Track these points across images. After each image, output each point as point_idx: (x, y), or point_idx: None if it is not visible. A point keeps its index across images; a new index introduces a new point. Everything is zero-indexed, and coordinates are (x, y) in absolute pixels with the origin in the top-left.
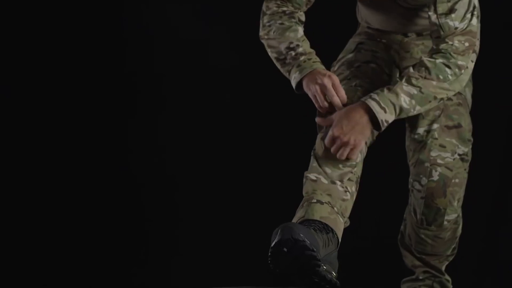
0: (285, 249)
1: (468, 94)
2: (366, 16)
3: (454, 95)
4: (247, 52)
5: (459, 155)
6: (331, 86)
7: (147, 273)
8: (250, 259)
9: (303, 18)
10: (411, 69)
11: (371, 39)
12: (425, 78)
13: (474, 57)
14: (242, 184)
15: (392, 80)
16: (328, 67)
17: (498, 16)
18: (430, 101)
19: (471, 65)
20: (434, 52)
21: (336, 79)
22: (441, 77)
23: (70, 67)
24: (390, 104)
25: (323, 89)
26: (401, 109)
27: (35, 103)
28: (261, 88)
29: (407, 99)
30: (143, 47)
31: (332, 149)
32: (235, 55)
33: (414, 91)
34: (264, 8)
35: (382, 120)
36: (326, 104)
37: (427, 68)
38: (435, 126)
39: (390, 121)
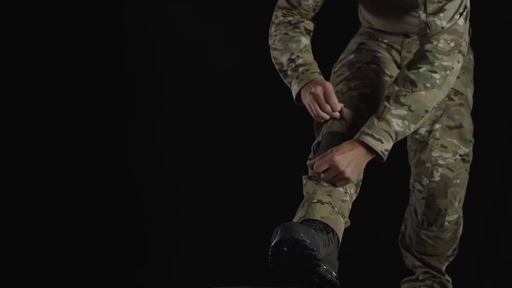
0: (285, 249)
1: (470, 94)
2: (367, 17)
3: (456, 95)
4: (247, 52)
5: (460, 155)
6: (323, 94)
7: (147, 273)
8: (250, 259)
9: (310, 27)
10: (395, 87)
11: (373, 39)
12: (412, 92)
13: (460, 57)
14: (242, 184)
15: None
16: (330, 67)
17: (498, 16)
18: (422, 116)
19: (457, 66)
20: (418, 56)
21: (329, 87)
22: (428, 85)
23: (70, 67)
24: (384, 133)
25: (316, 98)
26: (396, 133)
27: (35, 103)
28: (261, 88)
29: (399, 122)
30: (143, 47)
31: (324, 175)
32: (235, 55)
33: (404, 111)
34: (273, 17)
35: (382, 151)
36: (320, 112)
37: (411, 81)
38: (437, 126)
39: (390, 148)
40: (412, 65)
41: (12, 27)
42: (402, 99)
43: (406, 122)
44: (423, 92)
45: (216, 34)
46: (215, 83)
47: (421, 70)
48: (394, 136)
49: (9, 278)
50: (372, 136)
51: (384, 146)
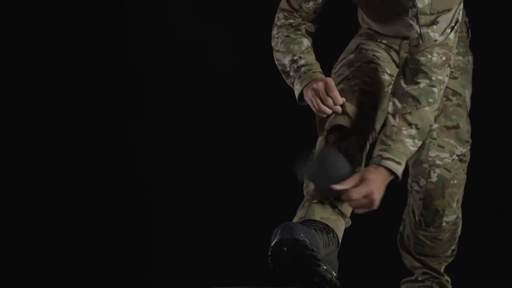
0: (285, 249)
1: (467, 96)
2: (366, 19)
3: (454, 95)
4: (247, 52)
5: (457, 155)
6: (324, 89)
7: (147, 273)
8: (250, 259)
9: (311, 29)
10: (398, 104)
11: (372, 40)
12: (417, 109)
13: (448, 71)
14: (242, 184)
15: (393, 80)
16: (331, 68)
17: (498, 17)
18: (427, 132)
19: (446, 80)
20: (412, 69)
21: (330, 81)
22: (430, 100)
23: (70, 67)
24: (402, 155)
25: (317, 93)
26: (410, 153)
27: (35, 103)
28: (261, 88)
29: (411, 141)
30: (143, 47)
31: (354, 204)
32: (235, 55)
33: (413, 131)
34: (275, 19)
35: (400, 174)
36: (321, 106)
37: (413, 97)
38: (435, 126)
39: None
40: (409, 79)
41: (12, 27)
42: (409, 118)
43: (416, 141)
44: (427, 108)
45: (216, 34)
46: (215, 83)
47: (421, 85)
48: (409, 156)
49: (9, 278)
50: (393, 160)
51: (402, 167)
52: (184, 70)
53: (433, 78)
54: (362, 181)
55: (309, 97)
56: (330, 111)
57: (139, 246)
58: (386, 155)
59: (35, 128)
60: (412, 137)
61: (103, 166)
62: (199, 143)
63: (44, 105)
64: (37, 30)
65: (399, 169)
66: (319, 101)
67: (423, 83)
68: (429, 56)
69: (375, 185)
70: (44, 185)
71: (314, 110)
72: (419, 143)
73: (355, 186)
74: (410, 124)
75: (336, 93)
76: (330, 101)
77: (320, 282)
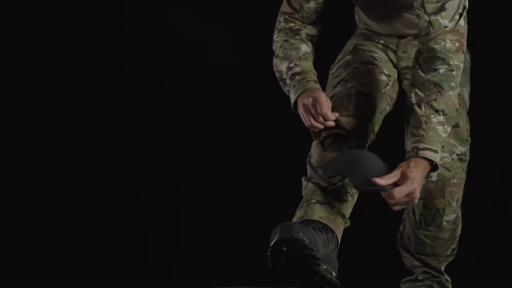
0: (284, 248)
1: (466, 94)
2: (363, 18)
3: None
4: (247, 52)
5: (457, 155)
6: (315, 105)
7: (147, 273)
8: (250, 259)
9: (312, 32)
10: (420, 93)
11: (369, 40)
12: (441, 95)
13: (463, 58)
14: (242, 184)
15: (391, 81)
16: (328, 68)
17: (498, 16)
18: (454, 116)
19: (462, 66)
20: (428, 57)
21: (320, 97)
22: (452, 84)
23: (70, 67)
24: (437, 143)
25: (308, 109)
26: (443, 140)
27: (35, 103)
28: (261, 88)
29: (441, 128)
30: (143, 47)
31: (394, 202)
32: (235, 55)
33: (441, 117)
34: (276, 22)
35: (439, 162)
36: (313, 122)
37: (436, 84)
38: None
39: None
40: (426, 68)
41: (12, 27)
42: (435, 105)
43: (445, 127)
44: (450, 93)
45: (216, 34)
46: (215, 83)
47: (440, 71)
48: (442, 144)
49: (9, 278)
50: (430, 149)
51: (439, 156)
52: (184, 70)
53: (451, 63)
54: (404, 179)
55: (300, 111)
56: (322, 127)
57: (139, 246)
58: (421, 145)
59: (35, 128)
60: (441, 123)
61: (103, 166)
62: (199, 143)
63: (44, 105)
64: (37, 30)
65: (437, 158)
66: (310, 118)
67: (442, 68)
68: (443, 43)
69: (417, 183)
70: (44, 185)
71: (306, 125)
72: (449, 129)
73: (397, 184)
74: (437, 111)
75: (325, 109)
76: (321, 118)
77: (320, 282)
